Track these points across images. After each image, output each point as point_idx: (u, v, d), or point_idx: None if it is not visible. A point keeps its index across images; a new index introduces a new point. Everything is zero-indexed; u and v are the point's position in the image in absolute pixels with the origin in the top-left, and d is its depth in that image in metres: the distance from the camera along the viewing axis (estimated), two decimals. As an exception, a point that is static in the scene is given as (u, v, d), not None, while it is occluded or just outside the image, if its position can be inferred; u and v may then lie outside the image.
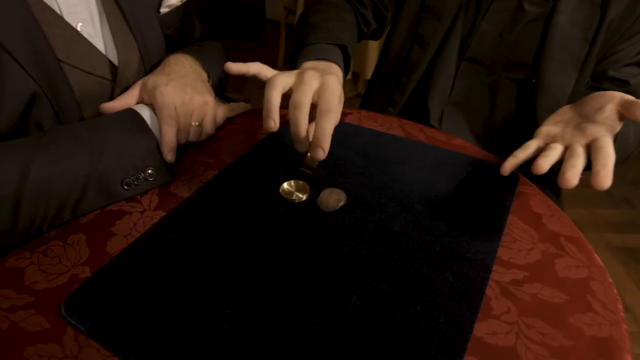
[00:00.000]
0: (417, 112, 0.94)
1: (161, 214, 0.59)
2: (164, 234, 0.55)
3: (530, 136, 0.70)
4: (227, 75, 0.87)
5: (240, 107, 0.81)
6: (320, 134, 0.54)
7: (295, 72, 0.60)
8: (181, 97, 0.65)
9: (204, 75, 0.76)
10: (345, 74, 0.74)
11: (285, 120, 0.60)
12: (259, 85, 2.67)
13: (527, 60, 0.83)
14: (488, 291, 0.49)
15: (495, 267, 0.52)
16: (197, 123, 0.69)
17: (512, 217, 0.60)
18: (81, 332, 0.45)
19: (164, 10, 0.75)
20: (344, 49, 0.77)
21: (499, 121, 0.89)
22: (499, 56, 0.85)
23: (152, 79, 0.66)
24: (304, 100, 0.55)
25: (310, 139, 0.55)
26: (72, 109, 0.64)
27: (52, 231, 0.57)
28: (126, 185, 0.59)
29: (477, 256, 0.53)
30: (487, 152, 0.73)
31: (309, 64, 0.68)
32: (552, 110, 0.80)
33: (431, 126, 0.92)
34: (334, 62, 0.69)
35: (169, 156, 0.63)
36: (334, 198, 0.60)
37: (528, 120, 0.84)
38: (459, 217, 0.59)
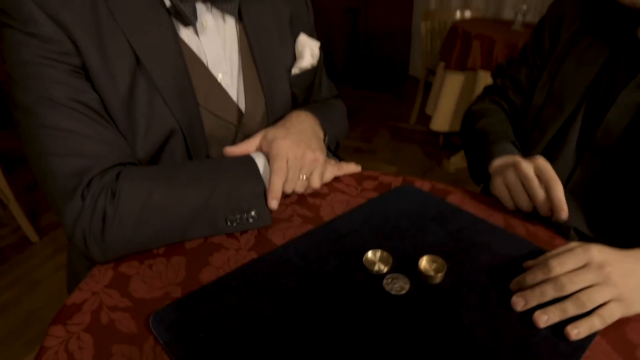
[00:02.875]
0: None
1: (253, 255, 0.65)
2: (251, 275, 0.61)
3: None
4: (343, 136, 0.93)
5: (350, 168, 0.86)
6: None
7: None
8: (294, 151, 0.72)
9: (321, 134, 0.83)
10: None
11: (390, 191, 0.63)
12: (388, 137, 2.74)
13: None
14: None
15: (563, 393, 0.49)
16: (304, 177, 0.75)
17: (599, 339, 0.56)
18: (159, 344, 0.51)
19: (295, 71, 0.84)
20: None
21: (617, 213, 0.85)
22: (624, 147, 0.82)
23: (272, 131, 0.74)
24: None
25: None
26: (201, 146, 0.74)
27: (161, 249, 0.65)
28: (229, 222, 0.67)
29: (545, 375, 0.50)
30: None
31: (498, 162, 0.84)
32: None
33: None
34: (517, 154, 0.84)
35: (273, 203, 0.70)
36: (396, 285, 0.61)
37: None
38: (540, 329, 0.56)
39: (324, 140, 0.84)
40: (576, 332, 0.54)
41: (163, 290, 0.59)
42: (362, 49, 4.41)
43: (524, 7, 2.57)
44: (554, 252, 0.62)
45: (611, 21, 0.86)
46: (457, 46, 2.53)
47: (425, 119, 2.92)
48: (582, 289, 0.57)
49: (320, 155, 0.76)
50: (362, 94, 4.12)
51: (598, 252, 0.59)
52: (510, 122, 1.01)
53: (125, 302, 0.57)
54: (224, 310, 0.55)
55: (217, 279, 0.60)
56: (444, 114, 2.71)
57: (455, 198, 0.81)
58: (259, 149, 0.76)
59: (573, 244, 0.62)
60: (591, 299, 0.56)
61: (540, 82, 0.95)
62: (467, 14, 3.13)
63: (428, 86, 3.12)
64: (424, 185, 0.83)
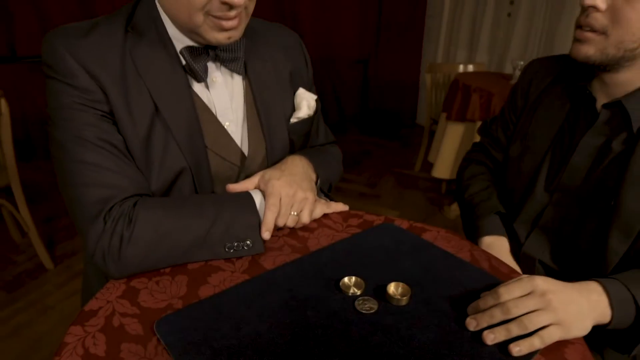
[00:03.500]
0: (509, 232, 1.06)
1: (246, 277, 0.75)
2: (242, 293, 0.71)
3: (603, 261, 0.86)
4: (336, 178, 1.05)
5: (338, 207, 0.96)
6: None
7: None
8: (287, 190, 0.83)
9: (313, 176, 0.94)
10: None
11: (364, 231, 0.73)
12: (393, 183, 2.82)
13: (609, 188, 0.89)
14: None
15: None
16: (295, 213, 0.86)
17: (539, 358, 0.64)
18: (161, 345, 0.61)
19: (293, 120, 0.97)
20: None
21: (579, 247, 0.95)
22: (587, 186, 0.93)
23: (269, 172, 0.86)
24: None
25: None
26: (207, 183, 0.86)
27: (167, 268, 0.76)
28: (227, 248, 0.77)
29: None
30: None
31: (487, 240, 1.04)
32: (625, 232, 0.86)
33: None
34: (502, 235, 1.04)
35: (265, 235, 0.81)
36: (366, 305, 0.70)
37: (603, 243, 0.89)
38: (488, 346, 0.65)
39: (316, 182, 0.95)
40: (517, 349, 0.63)
41: (167, 302, 0.69)
42: (371, 98, 4.60)
43: (521, 62, 2.72)
44: (506, 282, 0.72)
45: (570, 77, 0.99)
46: (457, 98, 2.68)
47: (430, 166, 3.03)
48: (526, 313, 0.66)
49: (310, 194, 0.87)
50: (370, 140, 4.26)
51: (542, 282, 0.69)
52: (494, 183, 1.15)
53: (134, 310, 0.68)
54: (217, 320, 0.65)
55: (213, 295, 0.70)
56: (445, 162, 2.83)
57: (430, 235, 0.91)
58: (257, 187, 0.87)
59: (522, 275, 0.72)
60: (533, 322, 0.65)
61: (516, 135, 1.07)
62: (470, 67, 3.29)
63: (432, 134, 3.24)
64: (403, 223, 0.94)
